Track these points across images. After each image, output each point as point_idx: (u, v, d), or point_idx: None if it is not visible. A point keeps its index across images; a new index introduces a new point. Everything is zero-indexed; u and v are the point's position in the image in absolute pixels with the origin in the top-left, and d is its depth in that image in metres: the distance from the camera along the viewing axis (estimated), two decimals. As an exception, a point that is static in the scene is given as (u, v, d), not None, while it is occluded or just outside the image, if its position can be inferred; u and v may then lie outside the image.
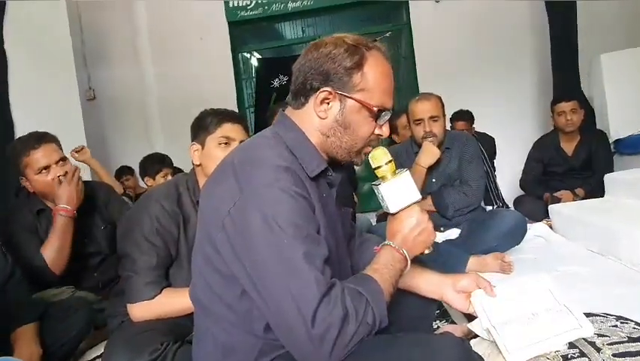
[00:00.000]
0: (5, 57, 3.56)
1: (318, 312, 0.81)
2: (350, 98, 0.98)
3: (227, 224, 0.89)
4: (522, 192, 3.58)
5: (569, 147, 3.39)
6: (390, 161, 1.02)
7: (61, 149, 1.95)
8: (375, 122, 1.01)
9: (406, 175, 1.02)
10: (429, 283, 1.20)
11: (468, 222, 2.48)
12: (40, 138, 1.88)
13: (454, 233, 2.50)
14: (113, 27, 4.73)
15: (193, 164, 1.57)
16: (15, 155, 1.87)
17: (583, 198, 3.12)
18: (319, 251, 0.88)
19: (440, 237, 2.40)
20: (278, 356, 0.94)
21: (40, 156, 1.85)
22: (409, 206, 1.02)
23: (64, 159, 1.93)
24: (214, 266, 0.95)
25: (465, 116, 3.89)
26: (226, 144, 1.51)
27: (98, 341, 1.76)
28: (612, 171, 3.19)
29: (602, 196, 2.80)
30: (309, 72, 0.98)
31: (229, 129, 1.52)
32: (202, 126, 1.54)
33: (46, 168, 1.86)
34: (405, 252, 0.99)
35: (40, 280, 1.79)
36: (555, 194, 3.21)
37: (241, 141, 1.47)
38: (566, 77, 3.96)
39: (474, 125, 3.93)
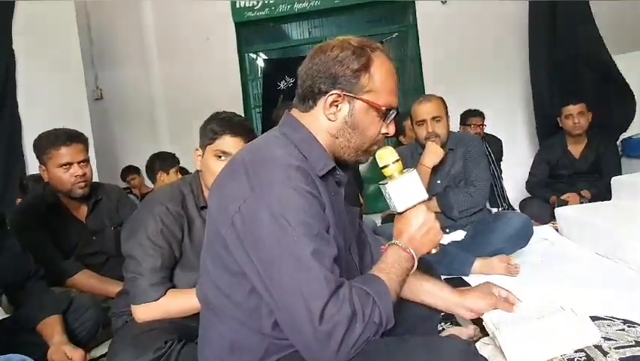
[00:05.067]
0: (14, 56, 3.59)
1: (326, 310, 0.81)
2: (359, 99, 0.98)
3: (236, 221, 0.89)
4: (528, 195, 3.56)
5: (576, 149, 3.37)
6: (397, 160, 1.02)
7: (87, 150, 2.07)
8: (383, 121, 1.02)
9: (413, 174, 1.02)
10: (436, 299, 1.22)
11: (473, 224, 2.47)
12: (72, 137, 2.00)
13: (459, 235, 2.49)
14: (121, 27, 4.75)
15: None
16: (44, 144, 1.99)
17: (589, 201, 3.10)
18: (329, 250, 0.88)
19: (445, 239, 2.40)
20: (284, 357, 0.94)
21: (66, 153, 1.97)
22: (416, 205, 1.02)
23: (86, 160, 2.04)
24: (223, 264, 0.95)
25: (478, 114, 3.88)
26: (220, 157, 1.46)
27: (103, 339, 1.78)
28: (620, 174, 3.17)
29: (610, 199, 2.78)
30: (316, 76, 0.99)
31: (226, 143, 1.46)
32: (205, 133, 1.51)
33: (68, 165, 1.97)
34: (412, 251, 0.99)
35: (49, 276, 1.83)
36: (562, 197, 3.19)
37: None
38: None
39: (485, 124, 3.91)
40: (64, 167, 1.97)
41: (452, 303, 1.22)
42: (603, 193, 2.97)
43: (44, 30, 3.66)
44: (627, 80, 3.65)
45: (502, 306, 1.20)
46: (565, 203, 3.10)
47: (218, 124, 1.49)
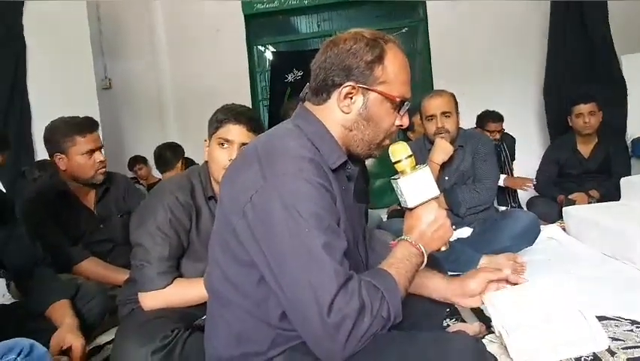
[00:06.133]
0: (24, 45, 3.61)
1: (334, 302, 0.81)
2: (373, 91, 0.98)
3: (247, 211, 0.89)
4: (536, 194, 3.54)
5: (585, 149, 3.35)
6: (410, 156, 1.02)
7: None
8: (397, 113, 1.02)
9: (425, 170, 1.01)
10: (435, 291, 1.19)
11: (480, 222, 2.47)
12: (94, 125, 2.06)
13: (465, 232, 2.49)
14: (131, 18, 4.75)
15: None
16: (64, 132, 1.99)
17: (598, 201, 3.08)
18: (339, 243, 0.88)
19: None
20: (291, 348, 0.94)
21: (90, 140, 2.02)
22: (427, 201, 1.02)
23: (102, 147, 2.10)
24: (232, 254, 0.96)
25: (496, 117, 3.75)
26: (223, 145, 1.47)
27: (109, 326, 1.79)
28: (629, 174, 3.14)
29: (619, 200, 2.76)
30: (330, 68, 0.98)
31: (229, 130, 1.47)
32: (211, 123, 1.53)
33: (92, 151, 2.01)
34: (422, 247, 0.99)
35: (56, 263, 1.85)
36: (569, 196, 3.17)
37: (243, 144, 1.44)
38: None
39: (504, 128, 3.82)
40: (87, 154, 2.00)
41: (443, 289, 1.18)
42: (612, 193, 2.95)
43: (54, 20, 3.68)
44: (630, 80, 3.65)
45: (497, 275, 1.16)
46: (572, 202, 3.08)
47: (223, 113, 1.51)
